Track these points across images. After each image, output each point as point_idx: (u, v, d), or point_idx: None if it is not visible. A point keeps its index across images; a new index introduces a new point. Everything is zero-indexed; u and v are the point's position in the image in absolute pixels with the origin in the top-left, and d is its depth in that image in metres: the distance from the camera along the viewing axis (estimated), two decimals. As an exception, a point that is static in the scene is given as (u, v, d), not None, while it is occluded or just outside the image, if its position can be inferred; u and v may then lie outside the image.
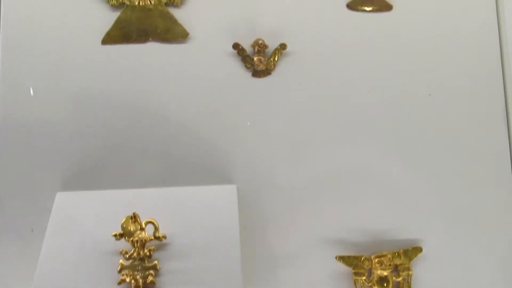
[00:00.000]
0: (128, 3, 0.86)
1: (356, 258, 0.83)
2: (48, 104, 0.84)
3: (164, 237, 0.74)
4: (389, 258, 0.83)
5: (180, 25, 0.86)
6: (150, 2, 0.86)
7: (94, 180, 0.83)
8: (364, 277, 0.82)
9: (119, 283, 0.72)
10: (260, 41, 0.86)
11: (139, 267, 0.73)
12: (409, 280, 0.83)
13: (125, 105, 0.84)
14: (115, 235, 0.73)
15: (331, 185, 0.86)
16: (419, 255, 0.84)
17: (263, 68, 0.86)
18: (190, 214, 0.79)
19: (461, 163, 0.87)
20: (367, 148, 0.87)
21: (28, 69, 0.85)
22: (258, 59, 0.86)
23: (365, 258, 0.83)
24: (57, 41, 0.85)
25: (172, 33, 0.86)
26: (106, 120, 0.84)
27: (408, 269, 0.83)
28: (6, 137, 0.83)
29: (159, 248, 0.74)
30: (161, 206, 0.79)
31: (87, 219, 0.78)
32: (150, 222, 0.74)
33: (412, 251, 0.84)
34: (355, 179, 0.86)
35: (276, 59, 0.87)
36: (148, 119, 0.84)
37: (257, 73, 0.87)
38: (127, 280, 0.72)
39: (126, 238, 0.73)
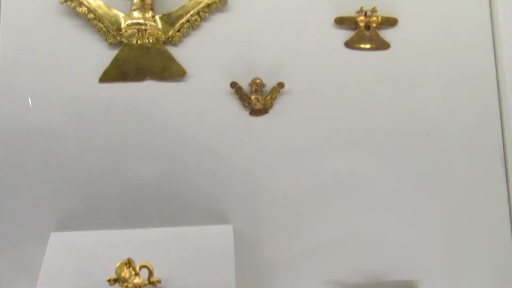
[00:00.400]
0: (126, 41, 0.85)
1: (353, 300, 0.82)
2: (44, 143, 0.83)
3: (159, 281, 0.74)
4: (386, 300, 0.82)
5: (178, 64, 0.86)
6: (148, 41, 0.86)
7: (88, 220, 0.82)
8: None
9: (112, 330, 0.71)
10: (257, 80, 0.85)
11: (133, 314, 0.72)
12: (406, 323, 0.82)
13: (122, 144, 0.84)
14: (109, 280, 0.72)
15: (329, 226, 0.85)
16: (416, 296, 0.83)
17: (261, 107, 0.86)
18: (185, 255, 0.78)
19: (458, 204, 0.87)
20: (365, 189, 0.86)
21: (25, 106, 0.84)
22: (255, 98, 0.86)
23: (362, 300, 0.82)
24: (55, 79, 0.84)
25: (170, 72, 0.86)
26: (102, 159, 0.83)
27: (405, 310, 0.83)
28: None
29: (154, 293, 0.74)
30: (156, 247, 0.79)
31: (81, 260, 0.77)
32: (144, 266, 0.73)
33: (408, 292, 0.83)
34: (352, 220, 0.85)
35: (273, 97, 0.86)
36: (144, 158, 0.84)
37: (254, 112, 0.86)
38: (120, 327, 0.71)
39: (120, 283, 0.72)
